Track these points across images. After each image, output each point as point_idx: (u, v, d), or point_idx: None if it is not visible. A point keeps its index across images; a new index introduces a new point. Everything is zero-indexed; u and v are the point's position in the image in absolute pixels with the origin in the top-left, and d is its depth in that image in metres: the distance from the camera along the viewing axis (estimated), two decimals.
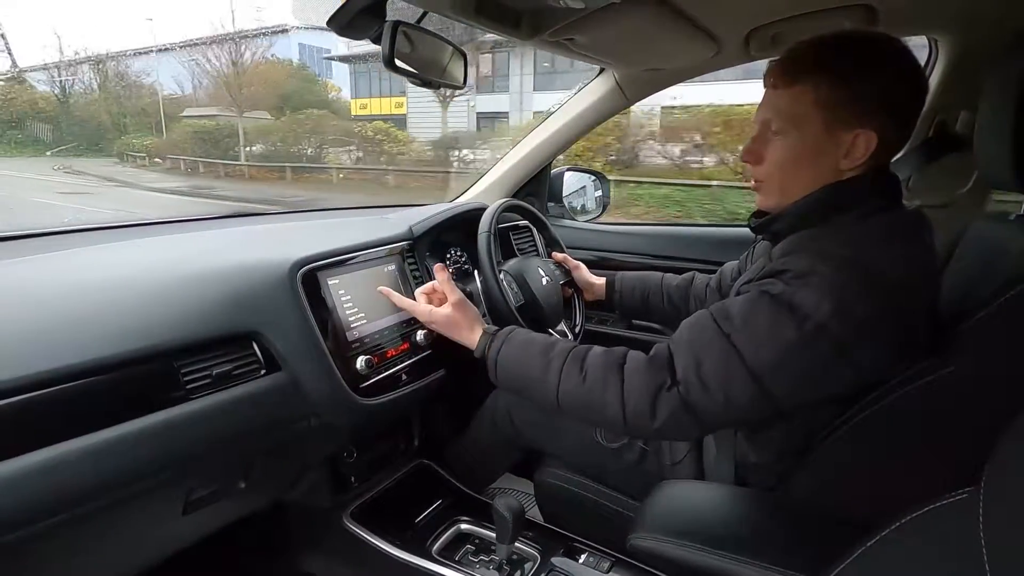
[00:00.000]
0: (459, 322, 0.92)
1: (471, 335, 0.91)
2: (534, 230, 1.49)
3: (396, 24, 0.88)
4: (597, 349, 0.81)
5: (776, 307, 0.66)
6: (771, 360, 0.66)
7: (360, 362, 0.95)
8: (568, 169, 1.77)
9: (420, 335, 1.09)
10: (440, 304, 0.95)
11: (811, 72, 0.72)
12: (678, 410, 0.69)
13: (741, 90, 5.95)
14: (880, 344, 0.66)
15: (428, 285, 1.00)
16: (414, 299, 0.99)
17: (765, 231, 0.82)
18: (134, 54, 17.52)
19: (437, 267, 0.97)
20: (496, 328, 0.90)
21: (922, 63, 1.20)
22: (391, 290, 1.02)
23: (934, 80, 1.18)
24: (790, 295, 0.66)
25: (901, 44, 0.72)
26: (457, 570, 1.00)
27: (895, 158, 1.23)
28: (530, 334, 0.87)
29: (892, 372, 0.70)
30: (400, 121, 15.58)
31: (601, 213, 1.82)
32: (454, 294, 0.94)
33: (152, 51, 17.35)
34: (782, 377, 0.66)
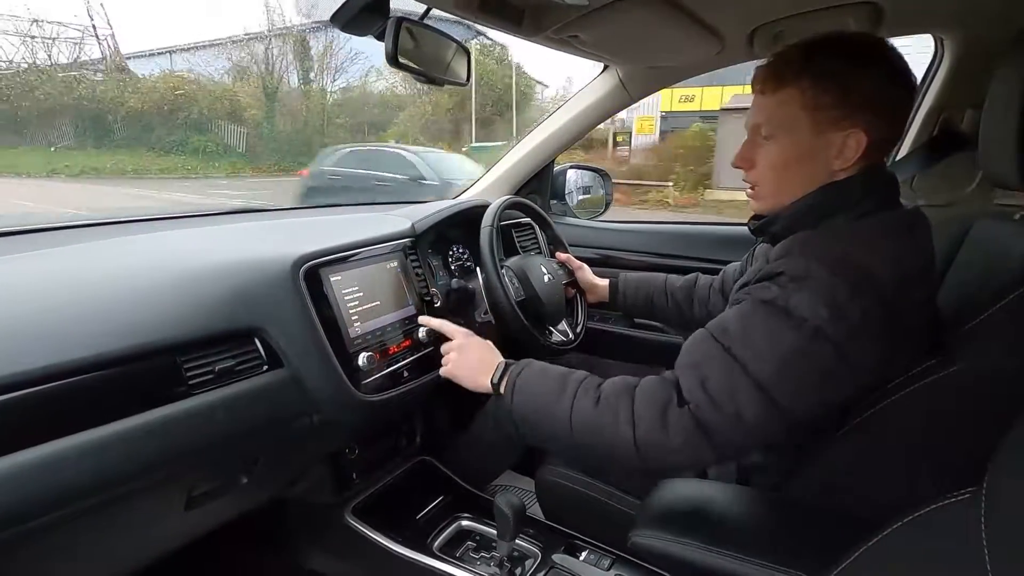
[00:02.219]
0: (483, 351, 0.92)
1: (490, 363, 0.89)
2: (536, 228, 1.49)
3: (400, 20, 0.88)
4: (614, 378, 0.78)
5: (772, 314, 0.66)
6: (773, 368, 0.65)
7: (362, 359, 0.95)
8: (571, 166, 1.77)
9: (422, 332, 1.09)
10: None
11: (797, 75, 0.72)
12: (691, 429, 0.67)
13: None
14: (876, 345, 0.66)
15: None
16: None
17: (763, 233, 0.83)
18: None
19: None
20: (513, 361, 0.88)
21: (927, 61, 1.21)
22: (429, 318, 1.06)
23: (939, 78, 1.17)
24: (785, 299, 0.66)
25: (886, 44, 0.72)
26: (458, 567, 1.00)
27: (899, 157, 1.24)
28: (548, 364, 0.86)
29: (893, 372, 0.69)
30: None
31: (604, 211, 1.82)
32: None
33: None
34: (786, 384, 0.65)
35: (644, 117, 13.80)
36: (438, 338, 1.09)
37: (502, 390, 0.84)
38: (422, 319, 1.06)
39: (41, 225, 1.04)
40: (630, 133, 13.66)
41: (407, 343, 1.06)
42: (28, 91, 9.89)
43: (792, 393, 0.65)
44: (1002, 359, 0.65)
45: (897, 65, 0.71)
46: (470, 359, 0.92)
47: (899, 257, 0.68)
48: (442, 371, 0.96)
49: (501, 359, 0.89)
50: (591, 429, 0.74)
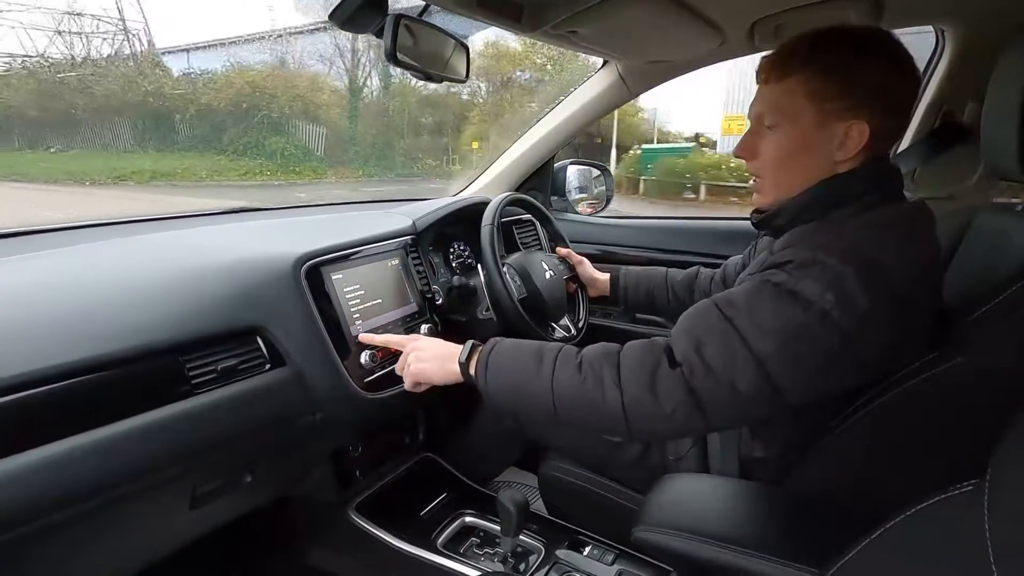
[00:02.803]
0: (440, 343, 0.87)
1: (454, 350, 0.83)
2: (537, 224, 1.49)
3: (398, 17, 0.88)
4: (592, 345, 0.76)
5: (779, 294, 0.66)
6: (774, 345, 0.64)
7: (364, 356, 0.95)
8: (571, 163, 1.77)
9: (424, 329, 1.09)
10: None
11: (802, 66, 0.72)
12: (682, 394, 0.66)
13: None
14: (882, 337, 0.65)
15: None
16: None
17: (766, 226, 0.82)
18: None
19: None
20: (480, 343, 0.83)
21: (928, 54, 1.21)
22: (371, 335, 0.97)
23: (940, 71, 1.17)
24: (793, 284, 0.65)
25: (891, 36, 0.72)
26: (462, 562, 1.01)
27: (900, 150, 1.24)
28: (518, 339, 0.81)
29: (896, 365, 0.69)
30: None
31: (604, 207, 1.82)
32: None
33: None
34: (786, 364, 0.64)
35: (732, 116, 12.11)
36: (440, 335, 1.09)
37: (472, 371, 0.79)
38: (362, 337, 0.96)
39: (42, 226, 1.04)
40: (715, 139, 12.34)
41: None
42: (84, 89, 8.80)
43: (789, 373, 0.65)
44: (1004, 352, 0.65)
45: (901, 57, 0.71)
46: (428, 354, 0.86)
47: (906, 251, 0.68)
48: (407, 383, 0.88)
49: (465, 344, 0.83)
50: (574, 399, 0.71)
